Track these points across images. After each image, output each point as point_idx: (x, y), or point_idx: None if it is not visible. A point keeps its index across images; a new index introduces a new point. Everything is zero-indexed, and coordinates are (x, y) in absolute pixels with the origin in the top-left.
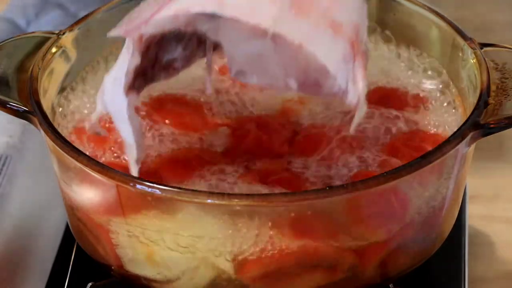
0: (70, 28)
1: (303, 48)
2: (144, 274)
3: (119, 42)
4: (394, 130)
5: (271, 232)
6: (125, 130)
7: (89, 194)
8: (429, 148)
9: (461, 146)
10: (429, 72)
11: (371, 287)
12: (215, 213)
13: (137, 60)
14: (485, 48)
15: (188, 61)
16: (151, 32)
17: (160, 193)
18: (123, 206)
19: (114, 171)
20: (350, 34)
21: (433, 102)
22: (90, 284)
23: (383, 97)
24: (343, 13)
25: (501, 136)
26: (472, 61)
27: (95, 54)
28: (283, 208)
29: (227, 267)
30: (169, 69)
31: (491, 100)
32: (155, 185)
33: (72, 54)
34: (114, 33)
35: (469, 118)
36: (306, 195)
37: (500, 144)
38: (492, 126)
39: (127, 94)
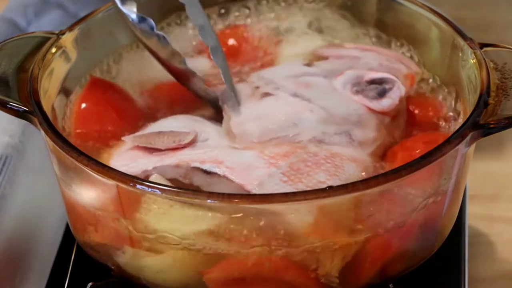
0: (70, 28)
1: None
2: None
3: (120, 42)
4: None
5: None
6: None
7: (89, 194)
8: (429, 148)
9: (461, 146)
10: (429, 72)
11: (371, 287)
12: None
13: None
14: (485, 48)
15: None
16: (155, 172)
17: (160, 193)
18: (123, 206)
19: (114, 171)
20: None
21: (432, 102)
22: (90, 284)
23: None
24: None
25: (501, 136)
26: (472, 61)
27: (95, 54)
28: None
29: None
30: None
31: (491, 100)
32: (155, 185)
33: (72, 54)
34: (129, 139)
35: (469, 118)
36: (306, 195)
37: (500, 144)
38: (492, 126)
39: None
